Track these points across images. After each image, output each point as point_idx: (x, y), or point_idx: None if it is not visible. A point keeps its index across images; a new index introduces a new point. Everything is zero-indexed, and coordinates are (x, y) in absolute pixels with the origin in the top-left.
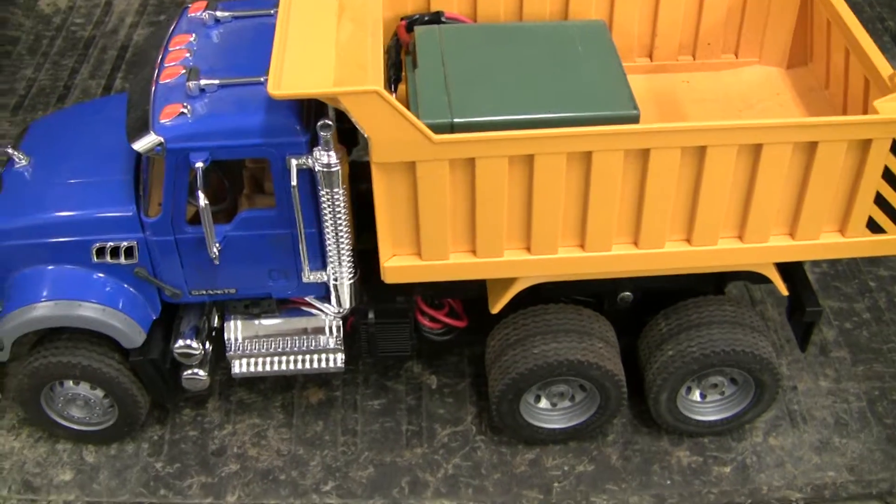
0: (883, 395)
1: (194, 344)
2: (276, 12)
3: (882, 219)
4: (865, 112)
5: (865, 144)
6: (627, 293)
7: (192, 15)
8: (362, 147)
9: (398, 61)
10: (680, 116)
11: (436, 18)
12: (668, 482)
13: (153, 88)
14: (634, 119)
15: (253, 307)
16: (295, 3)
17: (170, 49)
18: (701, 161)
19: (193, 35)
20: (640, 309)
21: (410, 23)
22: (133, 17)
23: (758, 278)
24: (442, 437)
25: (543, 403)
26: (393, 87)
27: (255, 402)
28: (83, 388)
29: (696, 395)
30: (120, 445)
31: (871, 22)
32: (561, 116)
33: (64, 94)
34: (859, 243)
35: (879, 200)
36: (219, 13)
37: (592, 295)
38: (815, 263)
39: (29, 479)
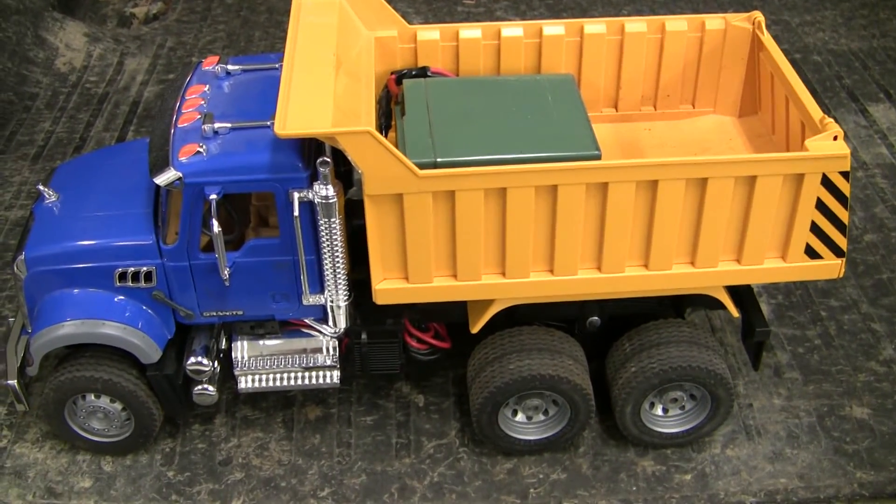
0: (831, 411)
1: (205, 361)
2: (281, 66)
3: (818, 245)
4: None
5: (799, 178)
6: (595, 318)
7: (206, 69)
8: (357, 188)
9: (388, 111)
10: None
11: (422, 73)
12: (634, 488)
13: (172, 131)
14: (596, 159)
15: (258, 328)
16: (298, 58)
17: (186, 98)
18: (654, 194)
19: (207, 86)
20: (608, 334)
21: (399, 77)
22: (143, 76)
23: (713, 303)
24: (428, 449)
25: (520, 417)
26: (384, 133)
27: (258, 418)
28: (104, 402)
29: (659, 410)
30: (135, 456)
31: (829, 80)
32: (530, 156)
33: (80, 145)
34: (799, 268)
35: (815, 229)
36: (229, 66)
37: (564, 319)
38: (772, 295)
39: (52, 486)
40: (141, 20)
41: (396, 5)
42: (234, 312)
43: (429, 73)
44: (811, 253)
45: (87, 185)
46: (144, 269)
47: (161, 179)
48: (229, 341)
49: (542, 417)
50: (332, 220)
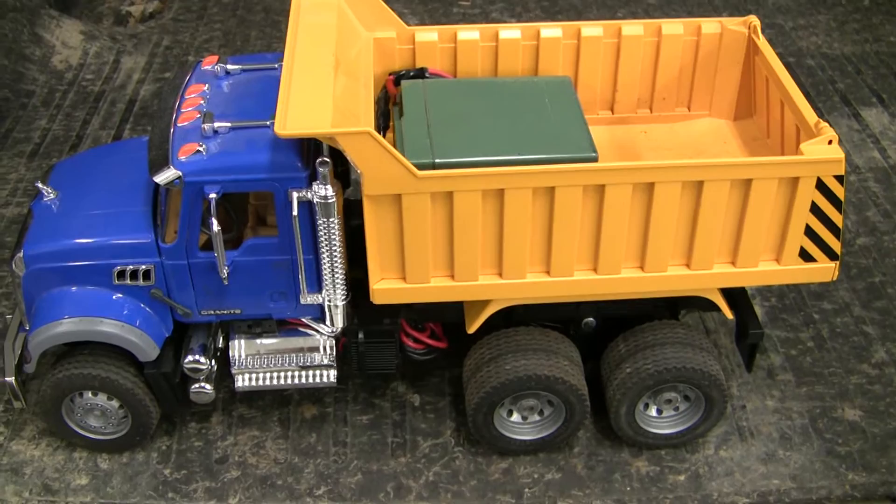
0: (823, 413)
1: (202, 359)
2: (280, 66)
3: (812, 249)
4: None
5: (794, 182)
6: (591, 319)
7: (205, 68)
8: (354, 188)
9: (386, 111)
10: None
11: (420, 74)
12: (628, 489)
13: (172, 130)
14: (593, 161)
15: (255, 327)
16: (297, 59)
17: (186, 97)
18: (650, 196)
19: (207, 85)
20: (604, 335)
21: (398, 77)
22: (140, 74)
23: (707, 305)
24: (424, 448)
25: (515, 417)
26: (382, 133)
27: (254, 417)
28: (101, 399)
29: (653, 411)
30: (131, 454)
31: (822, 84)
32: (528, 158)
33: (76, 143)
34: (793, 271)
35: (809, 232)
36: (229, 66)
37: (560, 320)
38: (765, 297)
39: (48, 483)
40: (137, 19)
41: (392, 6)
42: (232, 311)
43: (427, 75)
44: (805, 256)
45: (85, 182)
46: (143, 267)
47: (161, 178)
48: (227, 340)
49: (537, 418)
50: (331, 219)
